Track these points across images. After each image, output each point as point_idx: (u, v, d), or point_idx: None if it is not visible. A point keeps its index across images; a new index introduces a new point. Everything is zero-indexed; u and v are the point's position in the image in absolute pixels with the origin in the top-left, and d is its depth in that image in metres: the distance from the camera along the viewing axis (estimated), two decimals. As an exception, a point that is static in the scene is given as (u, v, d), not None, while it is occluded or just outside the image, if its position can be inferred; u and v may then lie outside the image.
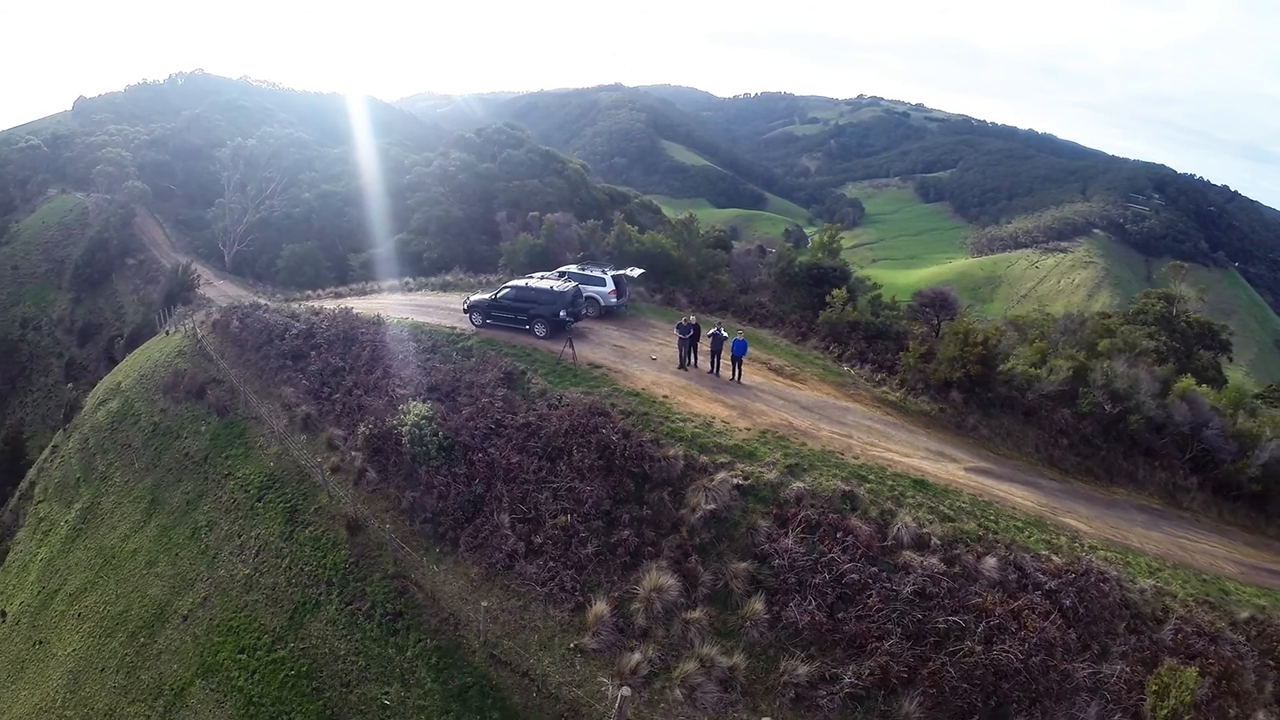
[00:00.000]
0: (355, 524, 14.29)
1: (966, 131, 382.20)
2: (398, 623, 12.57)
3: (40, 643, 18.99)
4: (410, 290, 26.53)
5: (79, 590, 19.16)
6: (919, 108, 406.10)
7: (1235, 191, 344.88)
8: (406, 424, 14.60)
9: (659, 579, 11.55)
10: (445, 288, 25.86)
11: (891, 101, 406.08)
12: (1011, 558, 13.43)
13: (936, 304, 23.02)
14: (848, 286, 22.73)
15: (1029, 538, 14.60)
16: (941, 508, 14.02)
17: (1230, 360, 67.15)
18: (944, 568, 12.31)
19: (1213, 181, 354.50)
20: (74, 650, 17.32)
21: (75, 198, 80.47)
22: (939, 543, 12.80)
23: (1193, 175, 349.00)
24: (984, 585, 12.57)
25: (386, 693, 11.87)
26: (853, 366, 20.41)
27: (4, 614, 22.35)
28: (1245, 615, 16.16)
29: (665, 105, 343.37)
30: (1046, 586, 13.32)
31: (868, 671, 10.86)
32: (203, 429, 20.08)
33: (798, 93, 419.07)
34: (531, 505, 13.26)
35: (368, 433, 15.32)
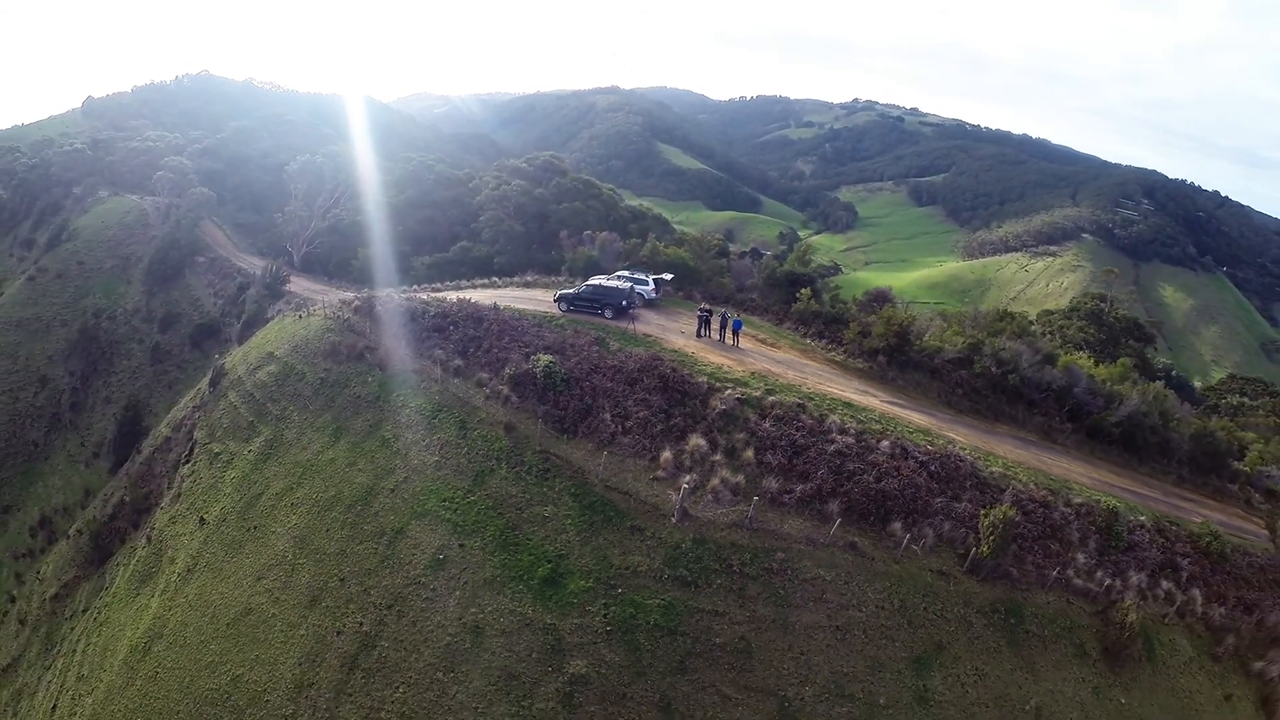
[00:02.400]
0: (509, 426, 24.33)
1: (960, 136, 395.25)
2: (547, 474, 22.64)
3: (255, 528, 28.68)
4: (498, 287, 36.55)
5: (284, 490, 28.88)
6: (914, 112, 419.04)
7: (1226, 197, 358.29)
8: (539, 367, 24.70)
9: (696, 441, 21.77)
10: (527, 285, 36.01)
11: (887, 105, 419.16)
12: (899, 442, 23.73)
13: (879, 300, 33.33)
14: (813, 288, 33.22)
15: (914, 435, 24.91)
16: (859, 416, 24.32)
17: (1155, 350, 78.63)
18: (854, 442, 22.59)
19: (1206, 187, 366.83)
20: (294, 524, 27.03)
21: (130, 200, 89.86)
22: (853, 430, 23.07)
23: (1183, 180, 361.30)
24: (879, 453, 22.83)
25: (545, 511, 21.93)
26: (813, 340, 30.84)
27: (204, 520, 32.06)
28: (1079, 500, 26.67)
29: (661, 108, 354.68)
30: (919, 458, 23.61)
31: (809, 488, 21.07)
32: (369, 380, 30.01)
33: (793, 96, 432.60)
34: (622, 408, 23.44)
35: (511, 373, 25.36)
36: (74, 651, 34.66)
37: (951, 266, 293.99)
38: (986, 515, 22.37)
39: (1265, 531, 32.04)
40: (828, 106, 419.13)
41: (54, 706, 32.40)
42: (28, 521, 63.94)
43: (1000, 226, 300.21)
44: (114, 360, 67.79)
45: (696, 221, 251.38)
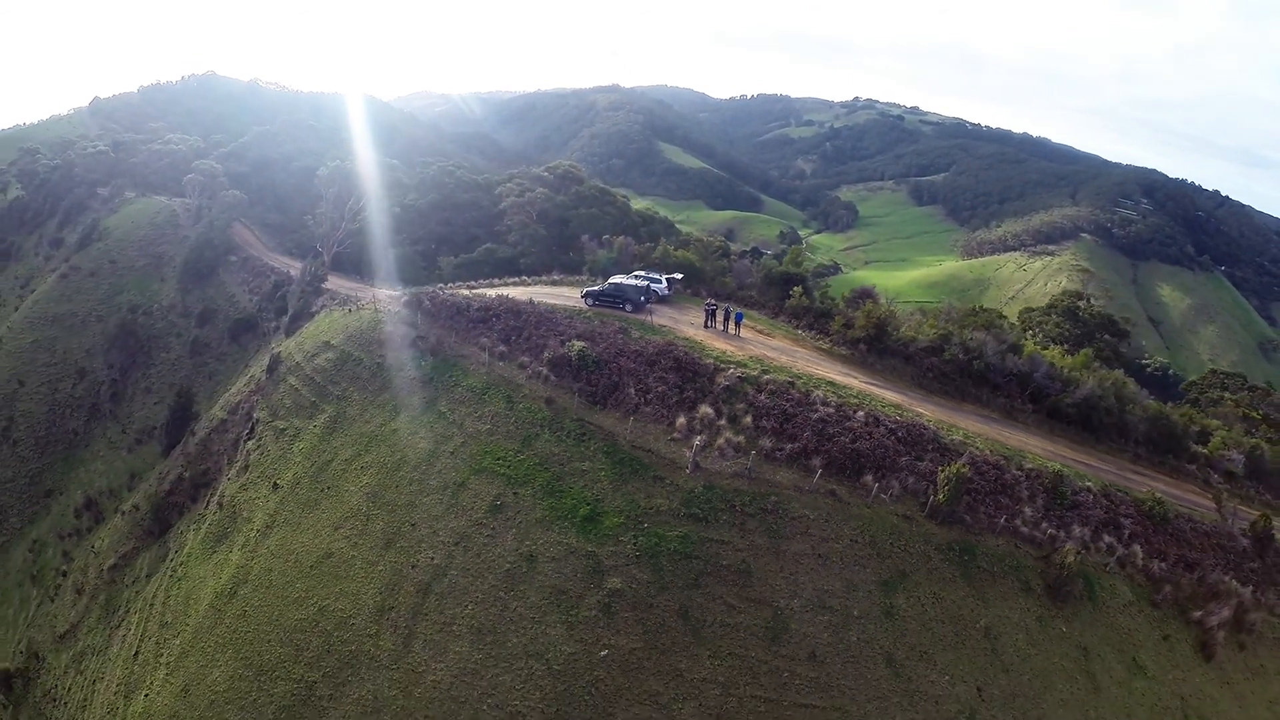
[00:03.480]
0: (549, 399, 29.56)
1: (961, 135, 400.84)
2: (583, 437, 27.87)
3: (328, 488, 33.88)
4: (528, 285, 41.80)
5: (352, 457, 34.07)
6: (914, 110, 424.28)
7: (1226, 196, 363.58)
8: (574, 351, 29.94)
9: (705, 410, 27.04)
10: (554, 283, 41.29)
11: (887, 104, 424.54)
12: (873, 413, 28.97)
13: (863, 296, 38.61)
14: (804, 286, 38.49)
15: (887, 409, 30.17)
16: (839, 392, 29.59)
17: (1129, 344, 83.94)
18: (834, 412, 27.84)
19: (1205, 186, 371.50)
20: (365, 483, 32.23)
21: (158, 201, 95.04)
22: (834, 403, 28.33)
23: (1183, 180, 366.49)
24: (855, 421, 28.07)
25: (583, 466, 27.16)
26: (804, 330, 36.13)
27: (277, 485, 37.23)
28: (1030, 465, 31.84)
29: (662, 107, 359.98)
30: (889, 426, 28.86)
31: (796, 447, 26.32)
32: (423, 363, 35.23)
33: (794, 94, 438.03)
34: (643, 384, 28.69)
35: (550, 357, 30.59)
36: (150, 605, 39.73)
37: (951, 266, 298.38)
38: (943, 471, 27.61)
39: (1214, 504, 37.15)
40: (828, 105, 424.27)
41: (136, 653, 37.35)
42: (72, 504, 69.21)
43: (999, 226, 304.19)
44: (152, 353, 72.96)
45: (698, 221, 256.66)
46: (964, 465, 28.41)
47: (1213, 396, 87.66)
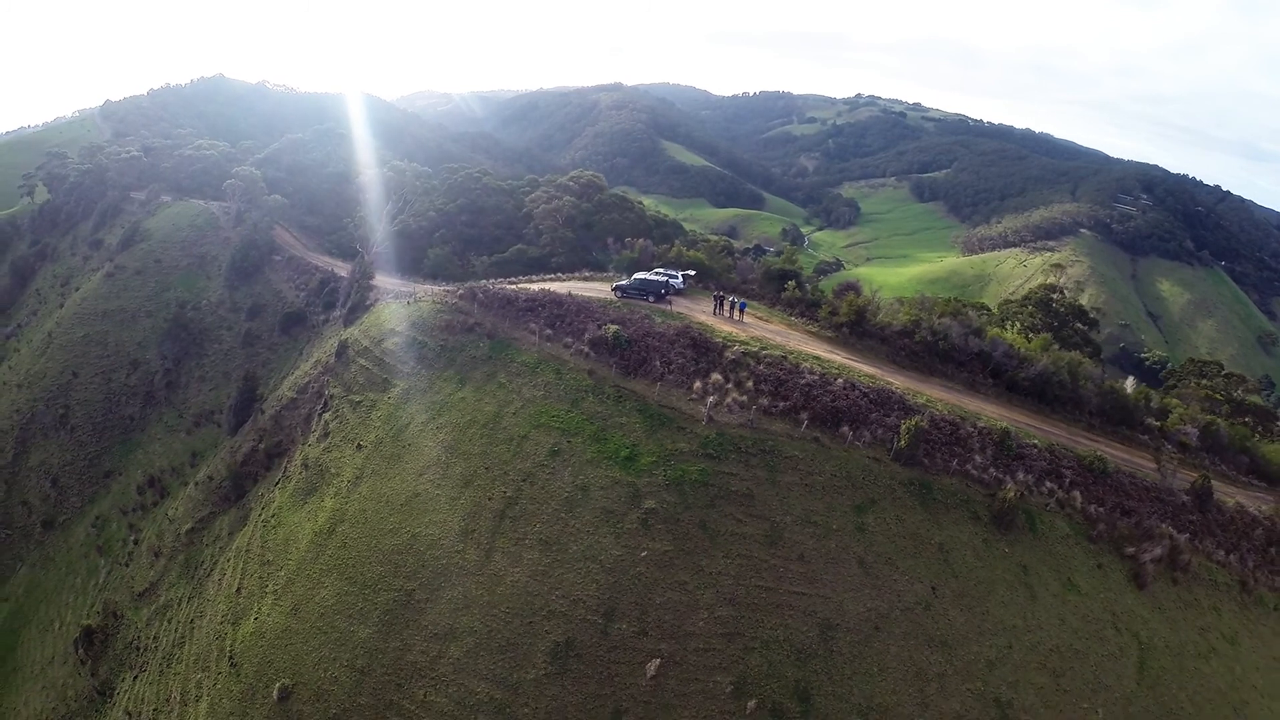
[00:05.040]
0: (591, 371, 37.74)
1: (963, 131, 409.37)
2: (620, 399, 36.05)
3: (409, 445, 41.99)
4: (562, 280, 49.99)
5: (427, 420, 42.19)
6: (916, 107, 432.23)
7: (1227, 192, 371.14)
8: (609, 333, 38.11)
9: (715, 377, 35.31)
10: (585, 279, 49.57)
11: (889, 101, 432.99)
12: (850, 380, 37.17)
13: (847, 289, 46.79)
14: (797, 280, 46.71)
15: (862, 377, 38.36)
16: (823, 365, 37.80)
17: (1098, 332, 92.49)
18: (818, 379, 36.06)
19: (1207, 182, 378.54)
20: (442, 439, 40.30)
21: (197, 204, 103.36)
22: (819, 372, 36.55)
23: (1184, 175, 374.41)
24: (835, 386, 36.26)
25: (621, 420, 35.35)
26: (796, 317, 44.34)
27: (360, 446, 45.37)
28: (983, 424, 39.88)
29: (665, 105, 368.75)
30: (863, 390, 37.08)
31: (788, 405, 34.52)
32: (481, 345, 43.38)
33: (796, 91, 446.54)
34: (666, 358, 36.90)
35: (590, 337, 38.74)
36: (246, 551, 47.72)
37: (951, 262, 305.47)
38: (904, 423, 35.76)
39: (1154, 465, 44.60)
40: (830, 102, 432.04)
41: (238, 589, 45.29)
42: (133, 482, 77.53)
43: (1000, 222, 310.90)
44: (204, 345, 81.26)
45: (701, 219, 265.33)
46: (922, 420, 36.58)
47: (1188, 382, 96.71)
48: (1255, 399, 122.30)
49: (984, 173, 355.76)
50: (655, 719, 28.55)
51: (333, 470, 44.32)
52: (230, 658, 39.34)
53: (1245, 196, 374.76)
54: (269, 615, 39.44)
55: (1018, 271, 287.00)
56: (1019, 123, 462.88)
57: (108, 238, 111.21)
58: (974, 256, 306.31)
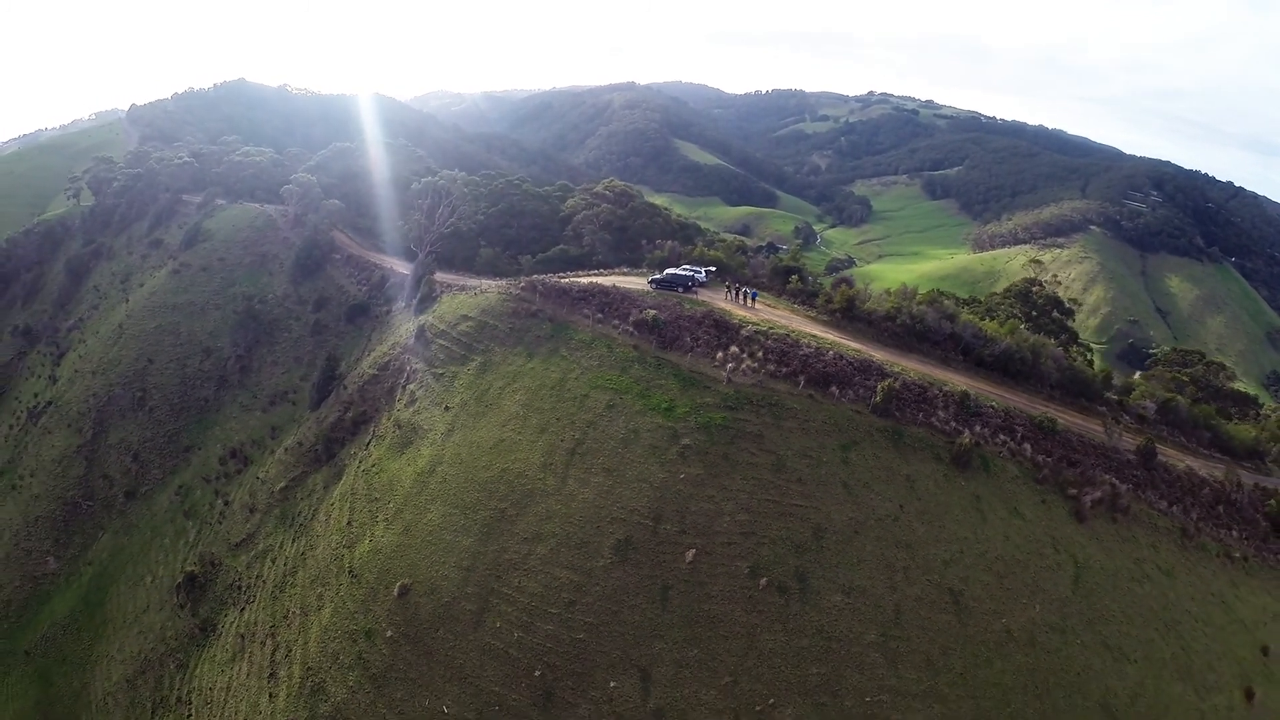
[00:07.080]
0: (635, 346, 49.97)
1: (975, 128, 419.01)
2: (660, 367, 48.32)
3: (490, 405, 54.14)
4: (605, 275, 62.25)
5: (504, 385, 54.36)
6: (929, 104, 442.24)
7: (1239, 187, 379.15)
8: (649, 316, 50.35)
9: (733, 349, 47.69)
10: (625, 274, 61.95)
11: (902, 99, 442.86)
12: (839, 353, 49.35)
13: (842, 281, 58.85)
14: (800, 275, 58.90)
15: (850, 351, 50.48)
16: (819, 341, 50.02)
17: (1074, 320, 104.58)
18: (813, 351, 48.30)
19: (1220, 178, 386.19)
20: (518, 399, 52.44)
21: (253, 207, 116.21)
22: (814, 346, 48.78)
23: (1196, 171, 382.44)
24: (827, 356, 48.38)
25: (661, 382, 47.59)
26: (799, 305, 56.55)
27: (448, 407, 57.65)
28: (948, 389, 51.93)
29: (677, 104, 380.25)
30: (850, 359, 49.28)
31: (789, 370, 46.69)
32: (544, 326, 55.65)
33: (808, 89, 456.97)
34: (694, 335, 49.18)
35: (634, 319, 50.93)
36: (352, 495, 59.78)
37: (962, 259, 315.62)
38: (880, 384, 47.74)
39: (1100, 428, 55.49)
40: (843, 100, 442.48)
41: (349, 523, 57.31)
42: (213, 455, 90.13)
43: (1010, 219, 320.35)
44: (275, 334, 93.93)
45: (714, 217, 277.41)
46: (895, 382, 48.56)
47: (1162, 368, 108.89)
48: (1239, 385, 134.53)
49: (995, 170, 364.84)
50: (693, 593, 40.64)
51: (425, 427, 56.63)
52: (350, 571, 51.38)
53: (1258, 192, 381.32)
54: (383, 536, 51.43)
55: (1028, 268, 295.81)
56: (1032, 119, 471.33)
57: (167, 238, 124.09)
58: (984, 253, 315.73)
